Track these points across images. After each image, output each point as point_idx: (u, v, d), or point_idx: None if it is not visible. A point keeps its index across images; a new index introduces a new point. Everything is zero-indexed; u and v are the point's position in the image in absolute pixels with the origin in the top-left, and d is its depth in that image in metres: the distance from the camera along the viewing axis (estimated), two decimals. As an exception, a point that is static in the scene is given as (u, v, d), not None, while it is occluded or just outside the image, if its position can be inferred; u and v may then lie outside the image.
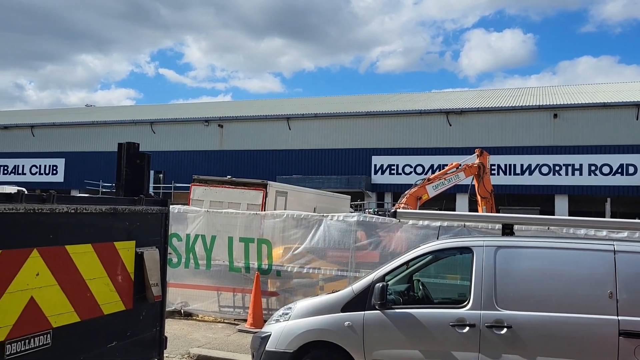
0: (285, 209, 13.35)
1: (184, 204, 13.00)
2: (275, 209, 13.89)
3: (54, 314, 4.00)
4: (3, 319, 3.62)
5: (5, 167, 43.06)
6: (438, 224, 9.03)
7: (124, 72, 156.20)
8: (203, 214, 11.33)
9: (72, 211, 4.22)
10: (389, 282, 6.18)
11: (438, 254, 6.54)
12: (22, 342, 3.75)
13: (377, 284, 5.98)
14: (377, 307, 5.95)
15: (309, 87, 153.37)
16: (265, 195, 14.88)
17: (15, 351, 3.69)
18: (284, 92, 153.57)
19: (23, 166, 42.72)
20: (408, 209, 15.59)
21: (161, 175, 35.18)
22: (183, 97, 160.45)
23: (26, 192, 3.93)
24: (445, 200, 24.46)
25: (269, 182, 15.77)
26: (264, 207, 14.43)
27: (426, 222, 9.40)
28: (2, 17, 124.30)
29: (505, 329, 5.57)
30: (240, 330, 9.98)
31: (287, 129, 38.25)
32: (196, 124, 40.49)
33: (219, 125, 39.87)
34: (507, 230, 6.43)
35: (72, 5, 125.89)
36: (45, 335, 3.93)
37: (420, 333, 5.83)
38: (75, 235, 4.26)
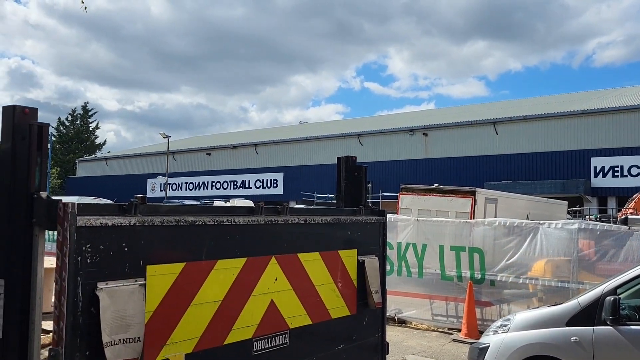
0: (495, 217, 12.96)
1: (392, 213, 13.31)
2: (484, 217, 13.54)
3: (290, 316, 4.44)
4: (250, 319, 4.12)
5: (235, 182, 48.23)
6: (679, 231, 8.08)
7: (332, 88, 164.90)
8: (413, 222, 11.50)
9: (302, 222, 4.65)
10: (620, 296, 5.69)
11: (681, 266, 5.86)
12: (266, 340, 4.23)
13: (608, 297, 5.56)
14: (608, 322, 5.53)
15: (516, 89, 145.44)
16: (474, 203, 14.60)
17: (260, 348, 4.18)
18: (489, 96, 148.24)
19: (249, 181, 47.41)
20: (637, 214, 14.16)
21: (369, 185, 36.36)
22: (387, 108, 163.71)
23: (264, 206, 4.42)
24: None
25: (477, 189, 15.46)
26: (473, 214, 14.16)
27: (663, 230, 8.44)
28: (229, 48, 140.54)
29: None
30: (454, 340, 9.91)
31: (494, 134, 36.98)
32: (401, 134, 41.24)
33: (423, 134, 40.11)
34: None
35: (285, 31, 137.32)
36: (283, 335, 4.38)
37: (664, 354, 5.26)
38: (305, 244, 4.67)
